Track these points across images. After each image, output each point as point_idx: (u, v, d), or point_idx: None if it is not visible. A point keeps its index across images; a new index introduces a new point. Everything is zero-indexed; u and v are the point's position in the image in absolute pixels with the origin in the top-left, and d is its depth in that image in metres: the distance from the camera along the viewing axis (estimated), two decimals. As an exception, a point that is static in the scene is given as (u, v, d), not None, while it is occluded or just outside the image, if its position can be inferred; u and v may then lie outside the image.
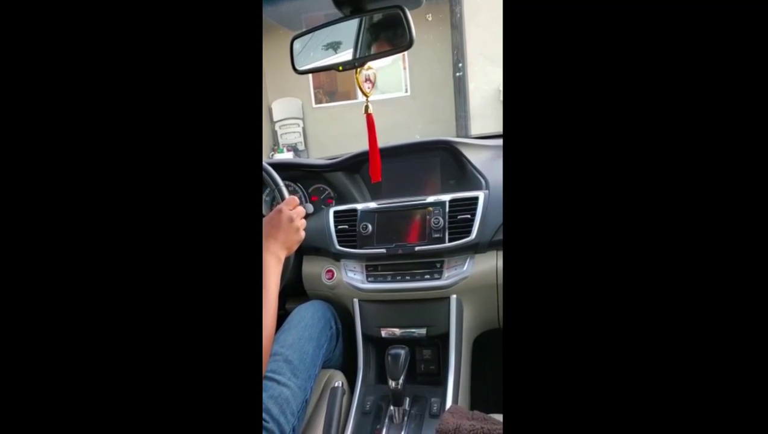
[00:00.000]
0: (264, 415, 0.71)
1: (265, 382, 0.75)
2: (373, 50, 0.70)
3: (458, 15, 4.41)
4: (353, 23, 0.69)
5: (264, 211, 0.92)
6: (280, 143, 5.25)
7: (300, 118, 5.32)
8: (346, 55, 0.71)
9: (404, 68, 4.98)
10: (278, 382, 0.75)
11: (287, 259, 0.77)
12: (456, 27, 4.47)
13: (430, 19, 4.55)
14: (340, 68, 0.70)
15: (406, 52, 0.68)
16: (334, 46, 0.73)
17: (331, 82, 5.18)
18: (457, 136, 1.11)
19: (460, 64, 4.54)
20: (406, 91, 5.08)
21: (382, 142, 0.93)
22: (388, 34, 0.68)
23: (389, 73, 4.99)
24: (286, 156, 4.96)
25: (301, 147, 5.28)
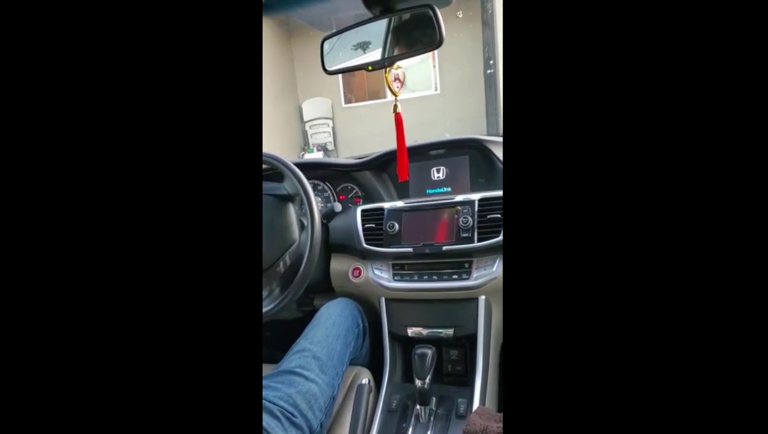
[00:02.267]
0: (293, 410, 0.72)
1: (293, 378, 0.76)
2: (402, 50, 0.70)
3: (489, 11, 4.35)
4: (382, 23, 0.69)
5: (296, 211, 0.93)
6: (310, 143, 5.33)
7: (330, 118, 5.38)
8: (375, 54, 0.71)
9: (434, 66, 4.96)
10: (306, 378, 0.77)
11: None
12: (487, 24, 4.41)
13: (460, 16, 4.51)
14: (370, 68, 0.71)
15: (435, 50, 0.68)
16: (364, 46, 0.73)
17: (360, 82, 5.21)
18: (488, 134, 1.09)
19: (492, 61, 4.47)
20: (436, 89, 5.06)
21: (411, 140, 0.93)
22: (418, 33, 0.68)
23: (419, 72, 4.98)
24: (316, 155, 5.03)
25: (330, 146, 5.34)
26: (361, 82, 5.24)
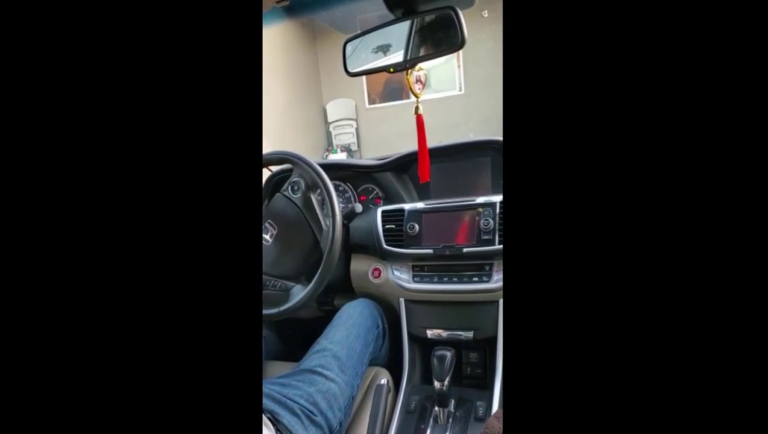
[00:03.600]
0: (313, 409, 0.73)
1: (314, 377, 0.77)
2: (424, 51, 0.70)
3: (515, 10, 4.28)
4: (404, 24, 0.69)
5: (317, 211, 0.94)
6: (334, 144, 5.36)
7: (353, 119, 5.40)
8: (397, 56, 0.72)
9: (458, 66, 4.91)
10: (326, 377, 0.78)
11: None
12: (512, 23, 4.35)
13: (486, 15, 4.45)
14: (392, 69, 0.71)
15: (460, 50, 0.67)
16: (386, 48, 0.74)
17: (393, 80, 5.19)
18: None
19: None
20: (461, 90, 5.01)
21: (435, 141, 0.93)
22: (440, 35, 0.68)
23: (443, 72, 4.94)
24: (340, 156, 5.06)
25: (354, 147, 5.36)
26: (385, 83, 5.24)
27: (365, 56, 0.76)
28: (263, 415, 0.67)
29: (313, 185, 0.90)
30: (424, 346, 0.97)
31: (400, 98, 5.16)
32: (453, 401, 0.86)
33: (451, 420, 0.83)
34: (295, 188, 0.93)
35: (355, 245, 1.03)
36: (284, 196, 0.93)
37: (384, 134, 5.09)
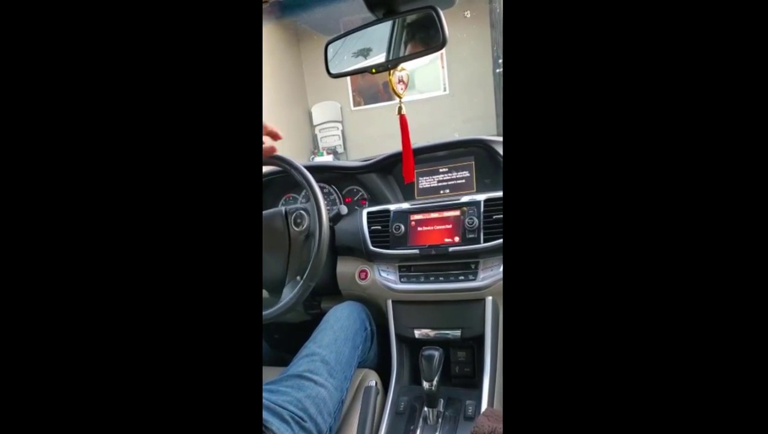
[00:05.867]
0: (302, 415, 0.72)
1: (302, 382, 0.76)
2: (406, 51, 0.70)
3: (497, 11, 4.32)
4: (386, 25, 0.69)
5: (312, 210, 0.94)
6: (320, 146, 5.35)
7: (339, 121, 5.39)
8: (379, 57, 0.72)
9: (442, 67, 4.94)
10: (315, 382, 0.77)
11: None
12: (494, 25, 4.39)
13: (468, 15, 4.49)
14: (374, 70, 0.71)
15: (444, 51, 0.68)
16: (368, 49, 0.73)
17: (371, 85, 5.21)
18: (498, 134, 1.09)
19: (500, 60, 4.44)
20: (445, 90, 5.04)
21: (423, 141, 0.93)
22: (421, 35, 0.68)
23: (427, 72, 4.96)
24: (326, 159, 5.04)
25: (340, 149, 5.35)
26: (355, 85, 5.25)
27: (347, 57, 0.76)
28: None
29: (298, 187, 0.90)
30: (412, 347, 0.97)
31: (377, 100, 5.17)
32: (442, 401, 0.86)
33: (440, 420, 0.83)
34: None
35: (341, 247, 1.03)
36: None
37: (371, 135, 5.09)
